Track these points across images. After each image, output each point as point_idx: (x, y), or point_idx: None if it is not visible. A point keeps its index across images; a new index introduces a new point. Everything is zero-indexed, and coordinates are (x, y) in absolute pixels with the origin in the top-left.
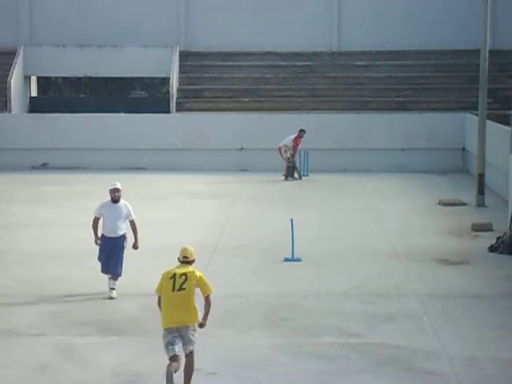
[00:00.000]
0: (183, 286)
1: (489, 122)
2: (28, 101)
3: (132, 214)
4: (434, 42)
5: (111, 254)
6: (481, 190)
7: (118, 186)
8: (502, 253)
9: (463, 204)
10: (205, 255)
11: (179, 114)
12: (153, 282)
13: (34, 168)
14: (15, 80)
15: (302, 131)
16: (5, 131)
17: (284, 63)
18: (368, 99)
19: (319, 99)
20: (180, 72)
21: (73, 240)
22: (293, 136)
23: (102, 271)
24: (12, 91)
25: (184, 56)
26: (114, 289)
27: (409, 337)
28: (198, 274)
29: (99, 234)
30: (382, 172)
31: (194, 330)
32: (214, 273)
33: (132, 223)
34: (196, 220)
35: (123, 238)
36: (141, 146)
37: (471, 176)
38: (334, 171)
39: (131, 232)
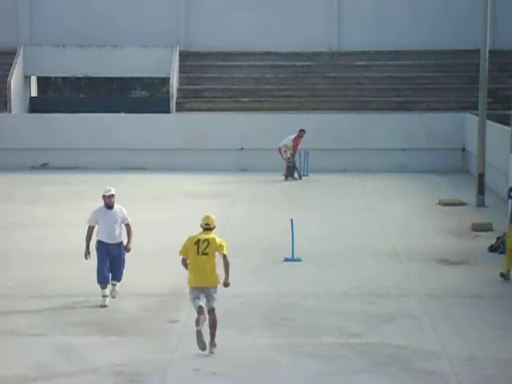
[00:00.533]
0: (206, 251)
1: (489, 122)
2: (28, 101)
3: (128, 217)
4: (434, 42)
5: (113, 259)
6: (481, 190)
7: (113, 191)
8: (502, 253)
9: (463, 204)
10: None
11: (179, 114)
12: (153, 282)
13: (34, 168)
14: (15, 80)
15: (301, 131)
16: (5, 131)
17: (284, 63)
18: (368, 99)
19: (319, 99)
20: (180, 72)
21: (73, 240)
22: (292, 136)
23: (102, 279)
24: (12, 91)
25: (184, 56)
26: (107, 296)
27: (409, 337)
28: (217, 240)
29: (91, 242)
30: (382, 172)
31: (215, 290)
32: None
33: (128, 226)
34: (196, 220)
35: (122, 243)
36: (141, 146)
37: (471, 176)
38: (334, 171)
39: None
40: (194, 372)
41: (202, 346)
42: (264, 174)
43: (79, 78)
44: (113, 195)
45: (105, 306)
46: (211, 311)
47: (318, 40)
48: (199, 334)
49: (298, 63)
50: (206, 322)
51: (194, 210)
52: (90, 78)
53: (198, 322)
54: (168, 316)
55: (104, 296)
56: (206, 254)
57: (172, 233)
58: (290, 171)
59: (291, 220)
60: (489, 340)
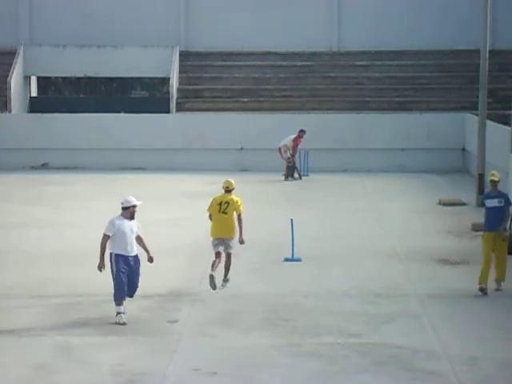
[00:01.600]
0: (226, 211)
1: (489, 122)
2: (28, 101)
3: (140, 229)
4: (434, 42)
5: (132, 273)
6: (481, 190)
7: (136, 201)
8: None
9: (463, 204)
10: (205, 255)
11: (179, 114)
12: (153, 282)
13: (34, 168)
14: (15, 80)
15: (302, 131)
16: (5, 131)
17: (284, 63)
18: (368, 99)
19: (319, 99)
20: (180, 72)
21: (72, 240)
22: (293, 136)
23: (120, 296)
24: (12, 91)
25: (184, 56)
26: (123, 313)
27: (409, 337)
28: (235, 200)
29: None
30: (382, 172)
31: (232, 241)
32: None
33: (139, 238)
34: (196, 220)
35: (138, 257)
36: (141, 146)
37: (471, 176)
38: (334, 171)
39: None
40: (194, 372)
41: (213, 287)
42: (264, 173)
43: (79, 78)
44: (135, 205)
45: (124, 324)
46: (228, 255)
47: (318, 40)
48: (211, 278)
49: (298, 63)
50: (221, 265)
51: (193, 210)
52: (90, 78)
53: (212, 267)
54: (168, 316)
55: (119, 313)
56: (226, 212)
57: (172, 233)
58: (290, 171)
59: (291, 220)
60: (489, 340)
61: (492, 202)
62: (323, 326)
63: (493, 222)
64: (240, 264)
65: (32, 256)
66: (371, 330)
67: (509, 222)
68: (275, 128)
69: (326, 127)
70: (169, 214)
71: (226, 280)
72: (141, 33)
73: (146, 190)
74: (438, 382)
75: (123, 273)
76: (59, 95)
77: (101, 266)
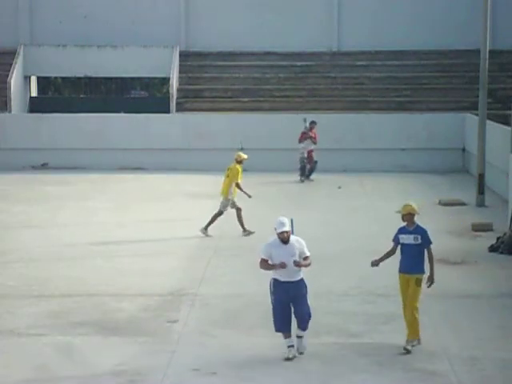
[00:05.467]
0: (227, 174)
1: (489, 122)
2: (28, 101)
3: (307, 250)
4: (434, 42)
5: (294, 302)
6: (481, 190)
7: (286, 228)
8: (502, 253)
9: (463, 204)
10: (205, 255)
11: (179, 114)
12: (153, 282)
13: (34, 168)
14: (15, 80)
15: (312, 123)
16: (5, 131)
17: (284, 63)
18: (368, 99)
19: (319, 99)
20: (180, 72)
21: (73, 240)
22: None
23: (281, 329)
24: (12, 91)
25: (184, 56)
26: (301, 337)
27: None
28: (235, 167)
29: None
30: (382, 172)
31: (223, 201)
32: (214, 273)
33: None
34: (196, 220)
35: (303, 282)
36: (141, 145)
37: (471, 176)
38: (334, 171)
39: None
40: (194, 372)
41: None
42: (264, 174)
43: (79, 78)
44: (286, 232)
45: (290, 359)
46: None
47: (318, 40)
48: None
49: (298, 63)
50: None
51: (194, 209)
52: (90, 78)
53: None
54: (168, 316)
55: (290, 346)
56: (228, 176)
57: (172, 233)
58: (310, 170)
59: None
60: (489, 340)
61: (407, 239)
62: (323, 325)
63: (407, 262)
64: (240, 264)
65: (32, 256)
66: (371, 330)
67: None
68: (275, 128)
69: (326, 127)
70: (169, 214)
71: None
72: (141, 33)
73: (146, 190)
74: (437, 382)
75: (279, 300)
76: (59, 95)
77: (280, 265)
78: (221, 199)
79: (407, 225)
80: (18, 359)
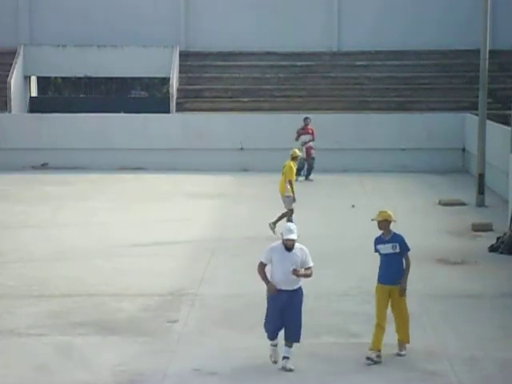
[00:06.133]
0: (283, 172)
1: (489, 122)
2: (28, 101)
3: (310, 260)
4: (434, 42)
5: (287, 311)
6: (481, 190)
7: (294, 236)
8: (501, 253)
9: (463, 204)
10: (205, 255)
11: (179, 114)
12: (153, 282)
13: (34, 168)
14: (15, 80)
15: (306, 119)
16: (5, 131)
17: (284, 63)
18: (368, 99)
19: (319, 99)
20: (180, 72)
21: (73, 240)
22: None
23: (272, 336)
24: (12, 91)
25: (184, 56)
26: (288, 358)
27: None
28: (289, 165)
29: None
30: (382, 172)
31: (285, 199)
32: (214, 273)
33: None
34: (196, 220)
35: (301, 291)
36: (141, 145)
37: (471, 176)
38: (334, 171)
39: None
40: (194, 372)
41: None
42: (264, 174)
43: (79, 78)
44: (292, 239)
45: (275, 362)
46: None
47: (318, 40)
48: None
49: (298, 63)
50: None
51: (194, 210)
52: (89, 78)
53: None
54: (168, 316)
55: (285, 357)
56: (284, 173)
57: (172, 233)
58: (309, 170)
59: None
60: (489, 340)
61: (385, 248)
62: (323, 325)
63: (388, 272)
64: (240, 264)
65: (33, 256)
66: (371, 330)
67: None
68: (275, 128)
69: (326, 127)
70: (169, 214)
71: (274, 224)
72: (141, 33)
73: (146, 190)
74: (437, 382)
75: (273, 308)
76: (59, 95)
77: (270, 289)
78: (281, 198)
79: (383, 234)
80: (18, 359)
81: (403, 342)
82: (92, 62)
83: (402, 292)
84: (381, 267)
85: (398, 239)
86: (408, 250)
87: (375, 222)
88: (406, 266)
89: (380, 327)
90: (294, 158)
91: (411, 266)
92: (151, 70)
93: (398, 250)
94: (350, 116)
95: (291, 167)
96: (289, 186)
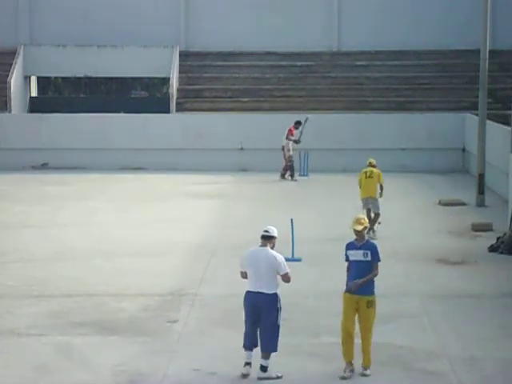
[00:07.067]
0: (371, 175)
1: (489, 122)
2: (28, 101)
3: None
4: (434, 42)
5: (260, 316)
6: (481, 190)
7: (272, 232)
8: (501, 253)
9: (463, 204)
10: (205, 255)
11: (179, 114)
12: (153, 282)
13: (34, 168)
14: (15, 80)
15: (297, 123)
16: (5, 131)
17: (284, 63)
18: (368, 99)
19: (319, 99)
20: (180, 72)
21: (73, 240)
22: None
23: (249, 346)
24: (12, 91)
25: (184, 56)
26: (265, 370)
27: (409, 337)
28: (377, 172)
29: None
30: (382, 172)
31: (376, 201)
32: (214, 273)
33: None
34: (196, 220)
35: (276, 296)
36: (141, 145)
37: (471, 176)
38: (333, 171)
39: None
40: (194, 372)
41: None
42: (264, 174)
43: (79, 78)
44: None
45: (247, 375)
46: (376, 215)
47: (317, 40)
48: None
49: (298, 63)
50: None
51: (194, 209)
52: (90, 78)
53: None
54: (168, 316)
55: (247, 364)
56: (372, 177)
57: (172, 233)
58: (292, 170)
59: (291, 220)
60: (489, 340)
61: (356, 255)
62: (323, 325)
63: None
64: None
65: (33, 256)
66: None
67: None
68: (275, 128)
69: (325, 127)
70: (169, 214)
71: (373, 231)
72: (141, 33)
73: (146, 190)
74: (437, 382)
75: (247, 313)
76: (59, 95)
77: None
78: (370, 201)
79: (356, 240)
80: (18, 359)
81: (366, 364)
82: (92, 62)
83: (370, 303)
84: (349, 275)
85: (370, 247)
86: (379, 260)
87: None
88: (372, 274)
89: (346, 341)
90: (373, 166)
91: (409, 264)
92: (151, 70)
93: (369, 257)
94: (349, 116)
95: (379, 172)
96: (380, 190)
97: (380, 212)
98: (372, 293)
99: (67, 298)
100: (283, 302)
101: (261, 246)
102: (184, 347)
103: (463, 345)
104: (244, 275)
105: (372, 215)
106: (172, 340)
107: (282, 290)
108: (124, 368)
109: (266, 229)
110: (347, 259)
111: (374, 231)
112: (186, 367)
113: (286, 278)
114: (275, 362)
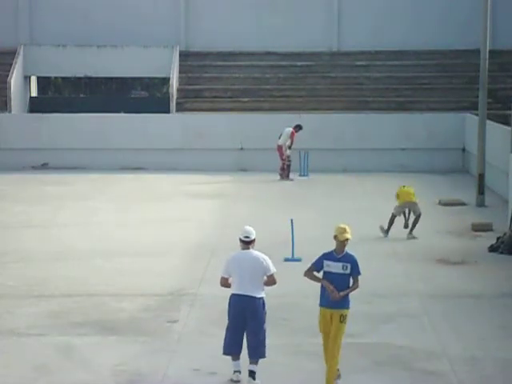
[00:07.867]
0: (408, 187)
1: (489, 122)
2: (28, 101)
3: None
4: (434, 42)
5: (247, 322)
6: (481, 190)
7: (253, 236)
8: (501, 253)
9: (463, 204)
10: (205, 255)
11: (179, 114)
12: (153, 282)
13: (34, 168)
14: (15, 80)
15: (297, 127)
16: (5, 131)
17: (284, 63)
18: (368, 99)
19: (319, 99)
20: (180, 72)
21: (73, 240)
22: (289, 129)
23: (229, 352)
24: (12, 91)
25: (184, 56)
26: (254, 376)
27: (409, 337)
28: (412, 191)
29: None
30: (382, 172)
31: (416, 204)
32: (214, 273)
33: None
34: (196, 220)
35: (262, 301)
36: (141, 145)
37: (471, 176)
38: (333, 171)
39: None
40: (194, 372)
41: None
42: (264, 174)
43: (79, 78)
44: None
45: (238, 382)
46: (418, 215)
47: (318, 40)
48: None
49: (298, 63)
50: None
51: (193, 209)
52: (90, 78)
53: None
54: (168, 316)
55: (236, 371)
56: (409, 187)
57: (172, 233)
58: (288, 171)
59: (291, 220)
60: (489, 340)
61: (335, 267)
62: None
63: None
64: None
65: (33, 256)
66: (371, 330)
67: None
68: (275, 128)
69: (325, 127)
70: (169, 214)
71: (411, 234)
72: (141, 33)
73: (146, 190)
74: (437, 382)
75: (231, 316)
76: (59, 95)
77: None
78: (409, 205)
79: (335, 251)
80: (18, 359)
81: (331, 378)
82: (92, 62)
83: (343, 318)
84: (323, 288)
85: (350, 259)
86: (359, 273)
87: (373, 222)
88: (354, 286)
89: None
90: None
91: (409, 264)
92: (151, 70)
93: (348, 271)
94: (350, 116)
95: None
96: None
97: (421, 212)
98: (348, 307)
99: (67, 298)
100: (283, 302)
101: (243, 249)
102: (184, 347)
103: (463, 345)
104: (224, 282)
105: (408, 220)
106: (172, 340)
107: (282, 289)
108: (124, 368)
109: (245, 234)
110: (321, 269)
111: (411, 236)
112: (185, 367)
113: (272, 280)
114: (275, 361)
